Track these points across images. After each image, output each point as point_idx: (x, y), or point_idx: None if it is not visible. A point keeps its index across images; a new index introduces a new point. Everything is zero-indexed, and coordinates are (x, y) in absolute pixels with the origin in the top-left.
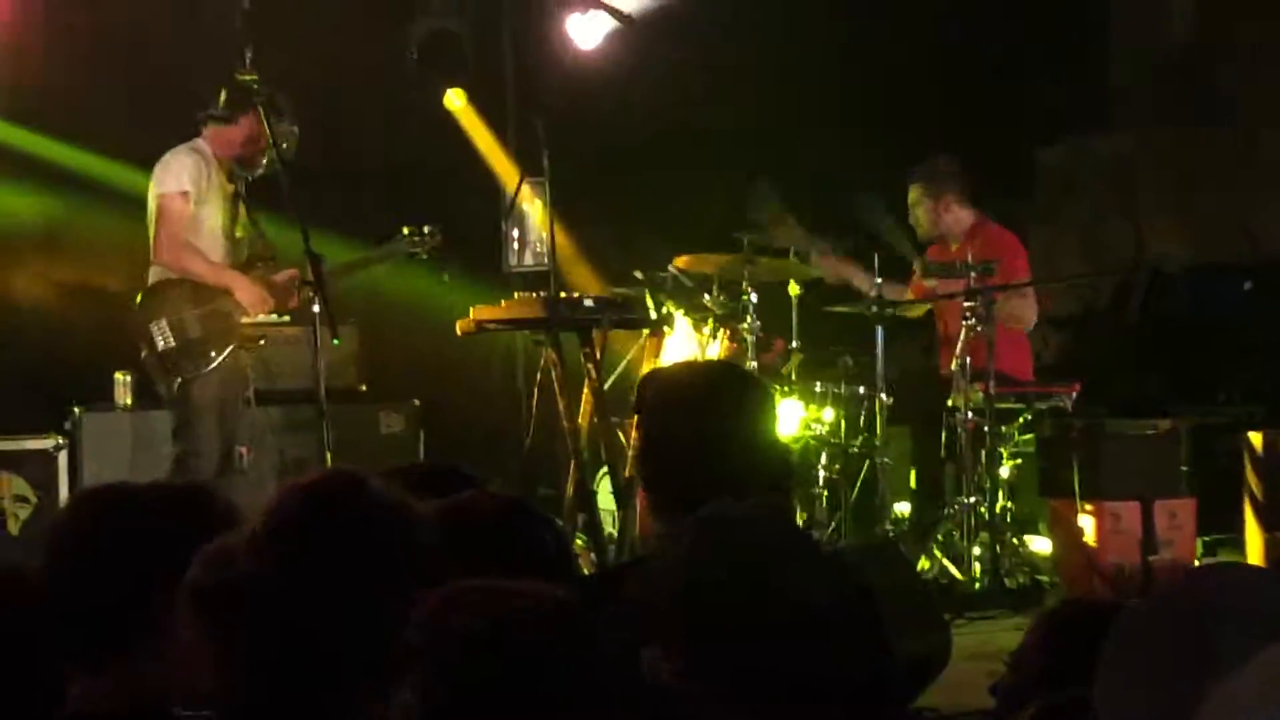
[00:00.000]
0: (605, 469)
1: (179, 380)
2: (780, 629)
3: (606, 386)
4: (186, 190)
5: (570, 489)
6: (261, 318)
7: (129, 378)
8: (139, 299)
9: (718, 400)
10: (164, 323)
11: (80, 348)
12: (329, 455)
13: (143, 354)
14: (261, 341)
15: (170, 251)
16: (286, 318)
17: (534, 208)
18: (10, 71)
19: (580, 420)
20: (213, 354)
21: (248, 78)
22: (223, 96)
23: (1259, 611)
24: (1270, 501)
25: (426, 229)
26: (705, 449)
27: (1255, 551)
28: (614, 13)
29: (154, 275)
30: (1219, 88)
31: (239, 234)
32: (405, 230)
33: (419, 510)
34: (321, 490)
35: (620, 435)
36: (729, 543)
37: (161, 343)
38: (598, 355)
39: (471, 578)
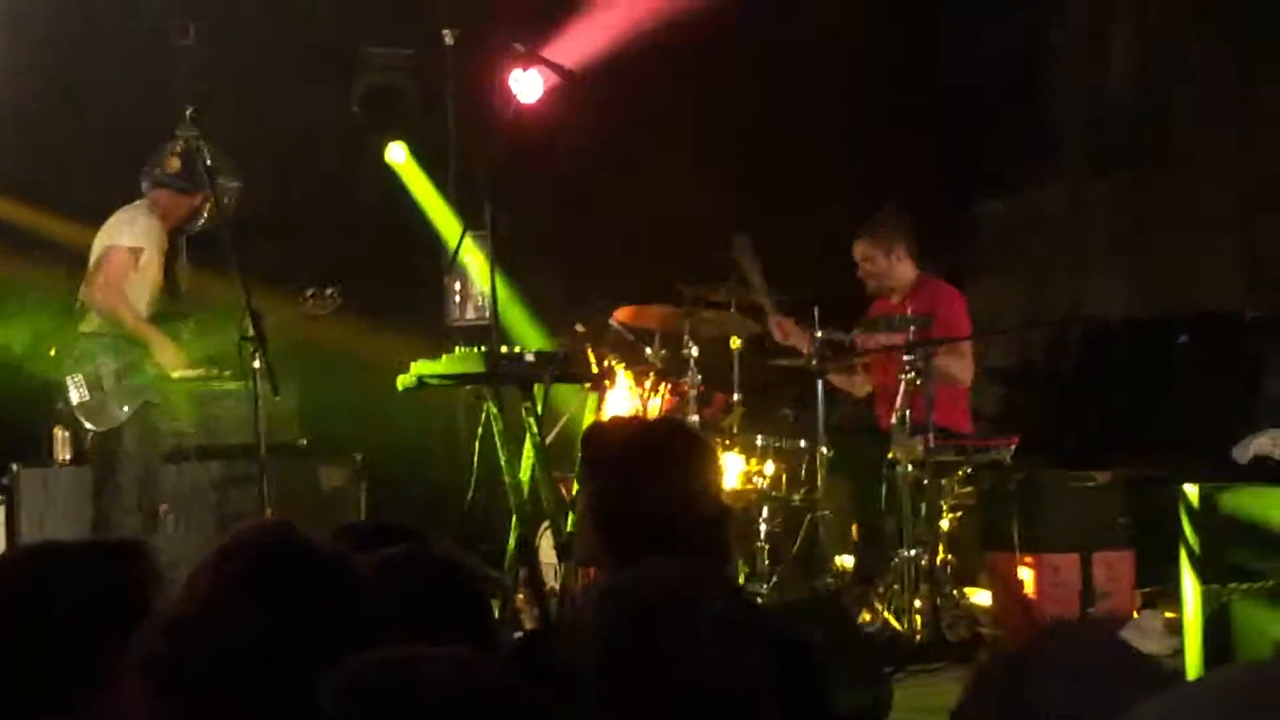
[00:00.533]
0: (547, 523)
1: (91, 434)
2: (674, 690)
3: (548, 440)
4: (140, 248)
5: (512, 543)
6: (201, 371)
7: (67, 434)
8: (55, 351)
9: (659, 457)
10: (79, 376)
11: (18, 404)
12: (269, 511)
13: (58, 405)
14: (162, 400)
15: (106, 296)
16: (228, 372)
17: (476, 261)
18: None
19: (522, 474)
20: (125, 409)
21: (190, 134)
22: (176, 163)
23: (1068, 661)
24: (1206, 554)
25: (329, 290)
26: (645, 505)
27: (1192, 604)
28: (555, 68)
29: (83, 326)
30: (1158, 141)
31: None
32: (307, 292)
33: (359, 566)
34: (265, 547)
35: (562, 489)
36: (623, 609)
37: (76, 396)
38: (539, 409)
39: (403, 634)
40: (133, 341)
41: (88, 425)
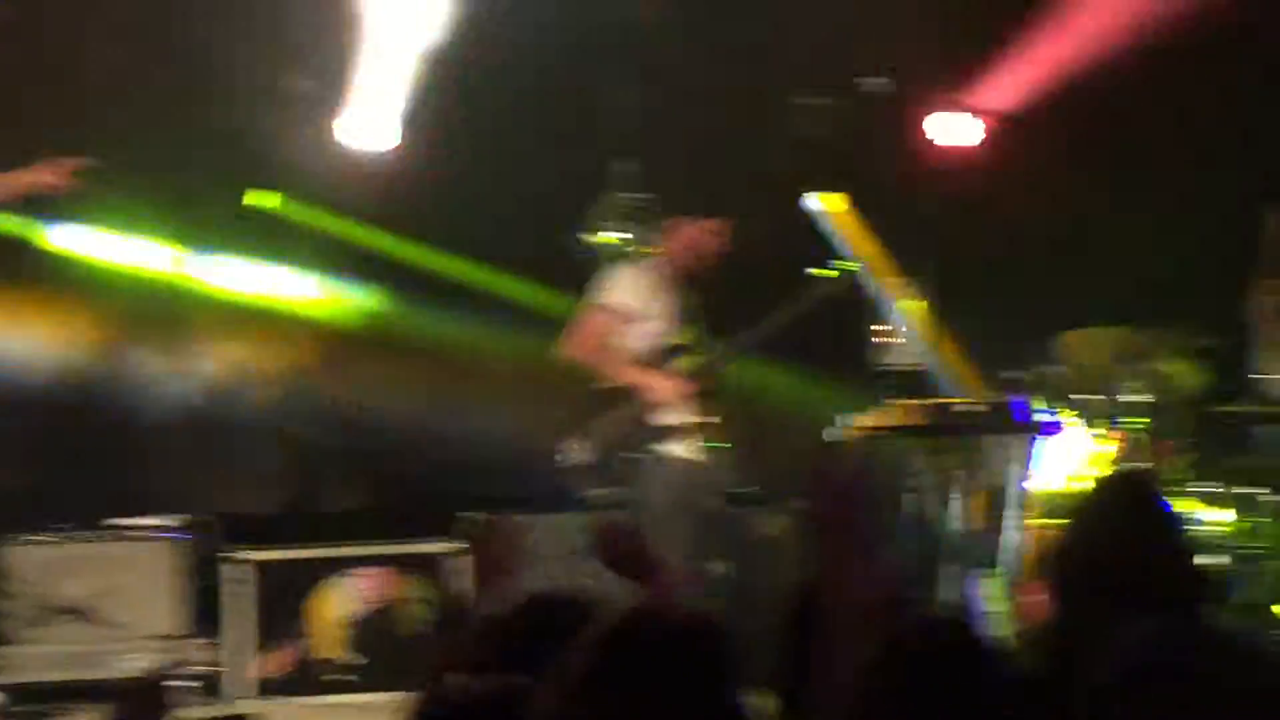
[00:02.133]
0: (985, 570)
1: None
2: None
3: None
4: (613, 303)
5: (942, 593)
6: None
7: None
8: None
9: (1128, 515)
10: (580, 439)
11: (465, 453)
12: (720, 561)
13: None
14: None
15: (579, 348)
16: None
17: (910, 306)
18: (406, 193)
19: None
20: (613, 463)
21: (628, 195)
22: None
23: None
24: None
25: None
26: (1122, 563)
27: None
28: (984, 112)
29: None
30: None
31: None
32: (813, 271)
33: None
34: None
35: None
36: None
37: (576, 458)
38: (981, 459)
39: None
40: (626, 390)
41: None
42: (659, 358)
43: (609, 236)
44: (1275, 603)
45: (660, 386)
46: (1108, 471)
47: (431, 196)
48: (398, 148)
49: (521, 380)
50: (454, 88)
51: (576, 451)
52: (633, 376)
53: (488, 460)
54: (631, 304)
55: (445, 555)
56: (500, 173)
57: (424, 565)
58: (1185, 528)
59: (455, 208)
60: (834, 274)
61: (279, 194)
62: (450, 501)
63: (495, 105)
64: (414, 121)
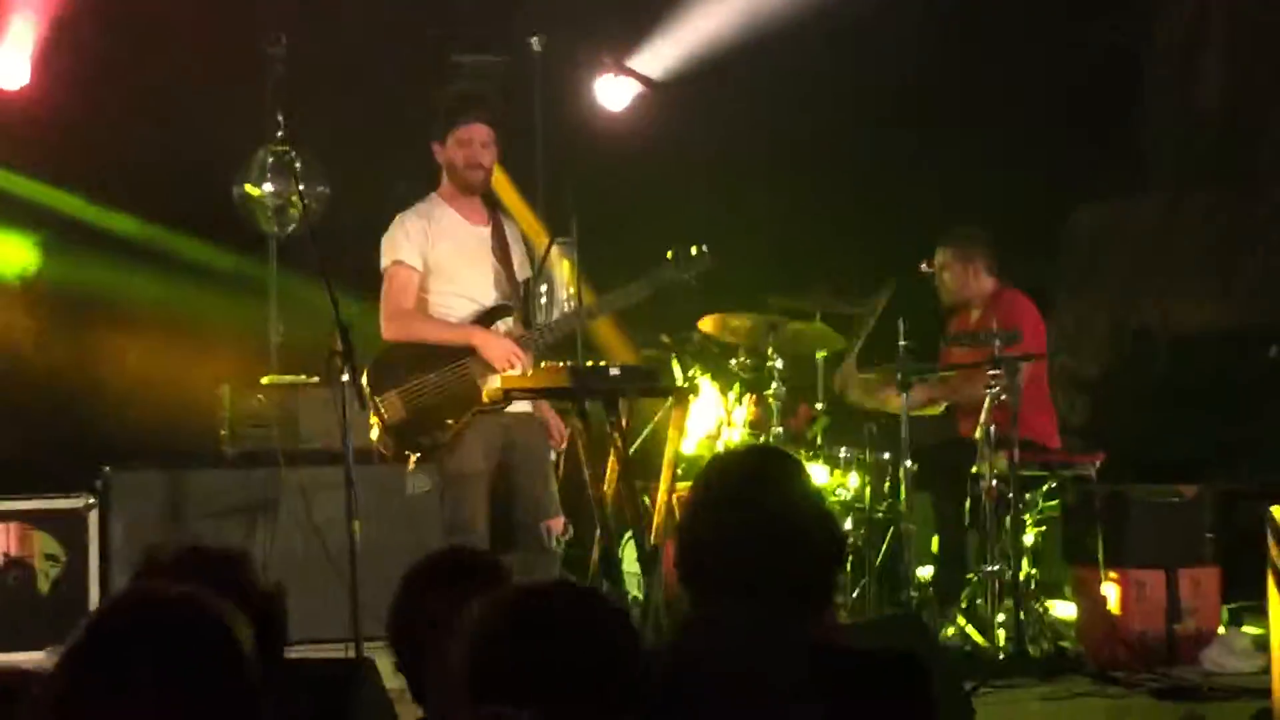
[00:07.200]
0: (630, 534)
1: (415, 455)
2: None
3: (631, 450)
4: (401, 259)
5: (595, 555)
6: (290, 377)
7: None
8: (365, 373)
9: (763, 492)
10: (392, 395)
11: (112, 406)
12: (357, 521)
13: (373, 433)
14: (509, 406)
15: (391, 324)
16: (316, 379)
17: (561, 269)
18: (43, 136)
19: (606, 487)
20: (449, 421)
21: (279, 148)
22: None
23: None
24: None
25: (694, 250)
26: (754, 541)
27: (1278, 624)
28: (638, 78)
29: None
30: (1251, 155)
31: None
32: (669, 255)
33: None
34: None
35: (646, 500)
36: None
37: (388, 415)
38: (623, 423)
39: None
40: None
41: (408, 447)
42: (484, 318)
43: (260, 190)
44: (918, 566)
45: (487, 343)
46: (738, 441)
47: (76, 141)
48: (32, 86)
49: (175, 334)
50: (94, 23)
51: (388, 413)
52: (454, 333)
53: (140, 415)
54: (410, 254)
55: (77, 511)
56: (154, 122)
57: (56, 521)
58: (807, 520)
59: (101, 154)
60: (691, 257)
61: None
62: (97, 457)
63: (146, 50)
64: (52, 59)
